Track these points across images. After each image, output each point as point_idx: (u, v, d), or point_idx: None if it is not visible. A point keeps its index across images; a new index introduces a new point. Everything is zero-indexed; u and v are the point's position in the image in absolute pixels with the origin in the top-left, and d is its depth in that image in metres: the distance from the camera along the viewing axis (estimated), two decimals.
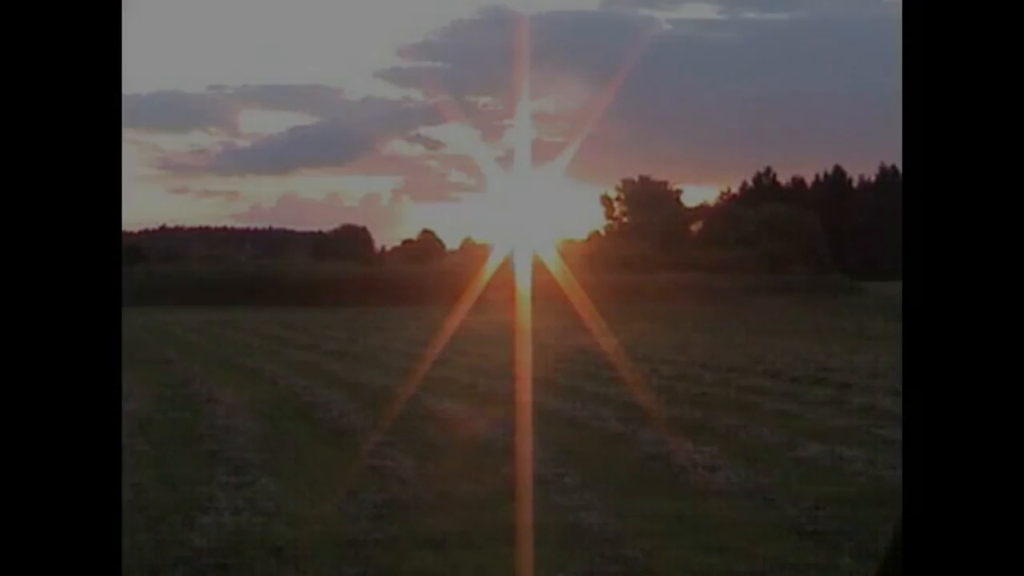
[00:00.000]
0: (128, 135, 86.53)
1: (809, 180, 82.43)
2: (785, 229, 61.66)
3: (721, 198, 77.56)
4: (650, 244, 59.68)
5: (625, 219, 71.48)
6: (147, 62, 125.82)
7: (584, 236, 68.20)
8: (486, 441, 9.16)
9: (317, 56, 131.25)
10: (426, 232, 75.44)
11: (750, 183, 79.91)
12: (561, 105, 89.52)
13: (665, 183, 71.29)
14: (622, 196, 72.25)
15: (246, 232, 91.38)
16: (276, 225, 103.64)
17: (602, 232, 71.26)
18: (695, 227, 69.59)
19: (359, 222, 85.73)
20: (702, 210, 72.64)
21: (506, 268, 26.12)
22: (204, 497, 6.95)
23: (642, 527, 6.19)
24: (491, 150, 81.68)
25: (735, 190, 79.10)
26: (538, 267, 26.05)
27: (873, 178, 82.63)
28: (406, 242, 75.57)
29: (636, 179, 71.94)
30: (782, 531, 6.09)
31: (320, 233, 74.71)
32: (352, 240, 65.89)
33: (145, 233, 77.02)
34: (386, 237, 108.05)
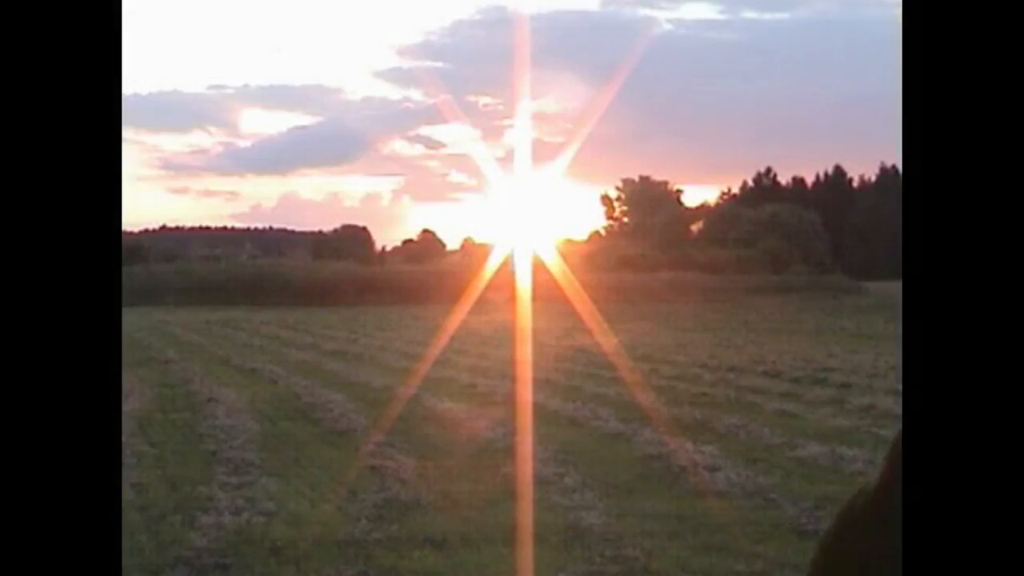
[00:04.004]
0: (128, 135, 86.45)
1: (809, 180, 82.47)
2: (785, 229, 61.63)
3: (721, 198, 77.56)
4: (650, 244, 59.62)
5: (625, 219, 71.41)
6: (147, 62, 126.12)
7: (584, 236, 68.14)
8: (486, 441, 9.16)
9: (317, 56, 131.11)
10: (426, 232, 75.40)
11: (750, 183, 79.91)
12: (561, 105, 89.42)
13: (665, 183, 71.25)
14: (622, 196, 72.20)
15: (246, 232, 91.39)
16: (276, 225, 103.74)
17: (602, 232, 71.23)
18: (695, 227, 69.54)
19: (359, 222, 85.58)
20: (702, 210, 72.58)
21: (506, 268, 26.12)
22: (204, 497, 6.96)
23: (642, 527, 6.19)
24: (491, 150, 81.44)
25: (735, 190, 79.13)
26: (538, 267, 26.05)
27: (873, 178, 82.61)
28: (406, 242, 75.53)
29: (636, 179, 71.90)
30: (782, 531, 6.09)
31: (320, 233, 74.62)
32: (352, 240, 65.79)
33: (145, 233, 76.94)
34: (386, 237, 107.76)
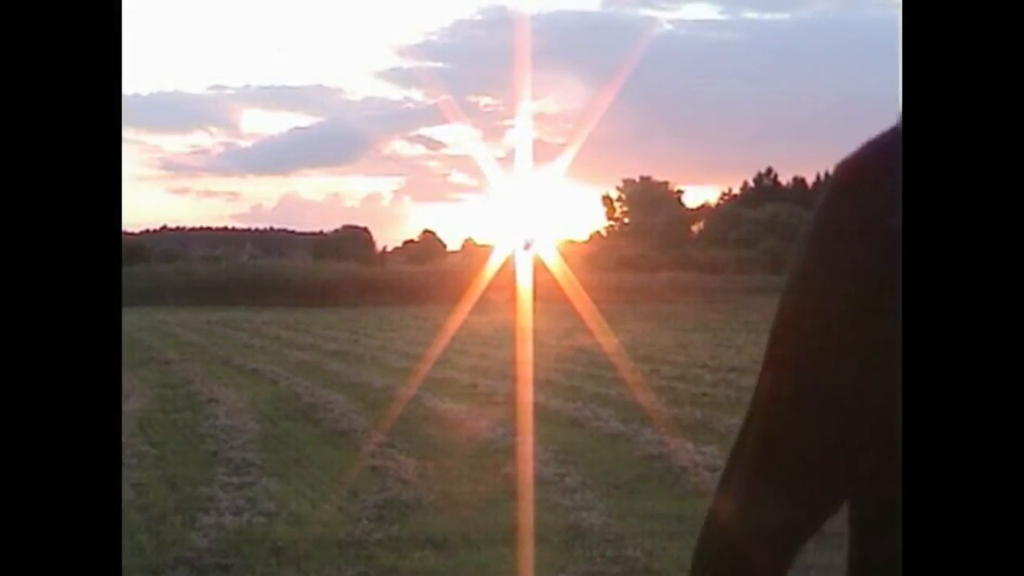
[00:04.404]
0: (128, 135, 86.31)
1: (809, 180, 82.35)
2: (785, 229, 61.60)
3: (721, 198, 77.54)
4: (651, 244, 59.64)
5: (626, 219, 71.42)
6: (147, 62, 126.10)
7: (585, 236, 68.21)
8: (487, 441, 9.16)
9: (317, 56, 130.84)
10: (427, 232, 75.39)
11: (750, 183, 79.88)
12: (562, 105, 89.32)
13: (666, 183, 71.25)
14: (623, 196, 72.22)
15: (247, 232, 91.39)
16: (277, 225, 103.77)
17: (603, 232, 71.23)
18: (696, 227, 69.56)
19: (360, 222, 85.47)
20: (703, 210, 72.60)
21: (507, 268, 26.14)
22: (205, 497, 6.96)
23: (643, 527, 6.19)
24: (492, 150, 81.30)
25: (735, 190, 79.10)
26: (539, 267, 26.06)
27: None
28: (407, 242, 75.52)
29: (637, 179, 71.91)
30: None
31: (321, 233, 74.65)
32: (353, 240, 65.75)
33: (146, 233, 76.93)
34: (387, 237, 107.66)
